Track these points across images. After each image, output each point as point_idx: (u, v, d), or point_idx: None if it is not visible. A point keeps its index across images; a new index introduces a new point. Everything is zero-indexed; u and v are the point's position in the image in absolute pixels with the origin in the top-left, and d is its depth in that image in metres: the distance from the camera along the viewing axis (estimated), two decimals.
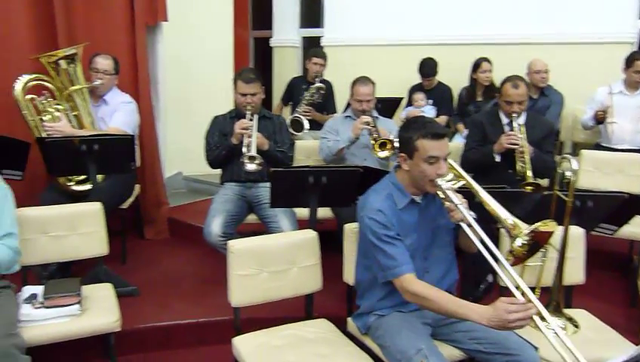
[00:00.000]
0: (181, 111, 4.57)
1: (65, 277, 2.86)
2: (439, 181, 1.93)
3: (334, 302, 2.67)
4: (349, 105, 3.65)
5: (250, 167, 2.91)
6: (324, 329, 2.23)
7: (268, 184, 3.11)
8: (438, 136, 1.92)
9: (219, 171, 3.29)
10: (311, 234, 2.29)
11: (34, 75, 3.10)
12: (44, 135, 3.02)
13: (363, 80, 3.35)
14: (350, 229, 2.28)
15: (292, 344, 2.10)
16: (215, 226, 2.93)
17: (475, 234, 1.88)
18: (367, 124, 3.20)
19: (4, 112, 3.27)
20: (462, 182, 2.04)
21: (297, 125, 4.38)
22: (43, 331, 2.13)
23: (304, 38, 5.99)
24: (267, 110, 3.37)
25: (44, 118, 3.09)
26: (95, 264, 2.81)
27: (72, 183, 3.18)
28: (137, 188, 3.64)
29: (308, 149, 3.67)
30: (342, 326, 2.30)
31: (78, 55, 3.18)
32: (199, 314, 2.87)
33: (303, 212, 3.07)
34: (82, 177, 3.19)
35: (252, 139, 2.96)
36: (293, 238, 2.31)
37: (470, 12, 4.76)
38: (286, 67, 5.89)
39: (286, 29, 5.93)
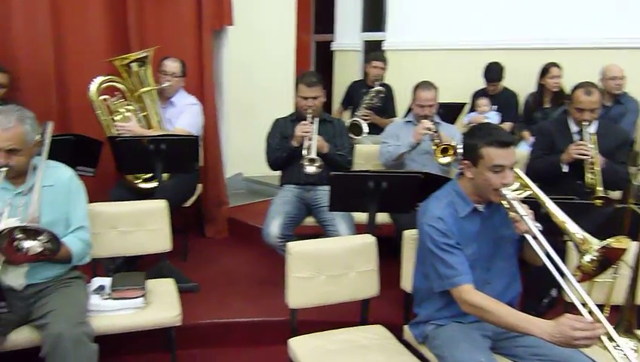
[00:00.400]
0: (242, 113, 4.66)
1: (130, 270, 2.98)
2: (504, 190, 1.87)
3: (389, 309, 2.65)
4: (410, 109, 3.61)
5: (310, 169, 2.93)
6: (379, 336, 2.21)
7: (327, 187, 3.13)
8: (504, 144, 1.86)
9: (278, 173, 3.34)
10: (369, 239, 2.28)
11: (107, 77, 3.25)
12: (115, 134, 3.17)
13: (425, 84, 3.30)
14: (409, 236, 2.26)
15: (347, 349, 2.10)
16: (274, 227, 2.97)
17: (541, 247, 1.81)
18: (429, 129, 3.15)
19: (80, 112, 3.46)
20: (528, 192, 1.98)
21: (356, 129, 4.36)
22: (110, 321, 2.23)
23: (365, 41, 5.98)
24: (327, 114, 3.39)
25: (115, 118, 3.24)
26: (158, 259, 2.92)
27: (139, 181, 3.32)
28: (200, 187, 3.74)
29: (367, 153, 3.66)
30: (397, 333, 2.27)
31: (148, 58, 3.31)
32: (257, 314, 2.92)
33: (360, 216, 3.06)
34: (148, 175, 3.32)
35: (312, 142, 2.99)
36: (352, 243, 2.30)
37: (539, 15, 4.58)
38: (347, 71, 5.90)
39: (348, 33, 5.94)
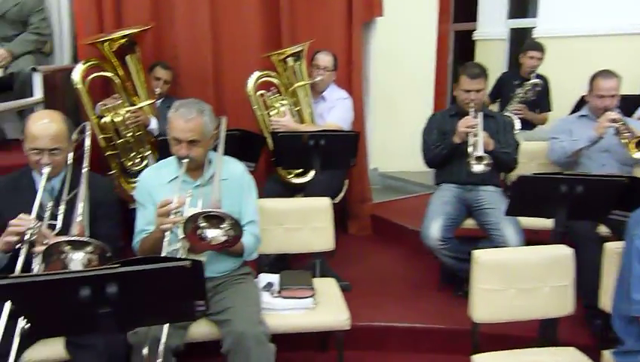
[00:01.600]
0: (382, 107, 4.52)
1: (282, 267, 2.96)
2: None
3: (570, 327, 2.37)
4: (581, 103, 3.24)
5: (478, 168, 2.72)
6: (574, 360, 1.96)
7: (490, 187, 2.93)
8: None
9: (416, 168, 3.14)
10: (566, 251, 2.03)
11: (264, 72, 3.26)
12: (269, 129, 3.17)
13: (606, 73, 2.94)
14: (612, 249, 1.99)
15: None
16: (434, 229, 2.80)
17: None
18: (614, 121, 2.79)
19: (233, 107, 3.51)
20: None
21: None
22: (283, 321, 2.19)
23: (511, 29, 5.54)
24: (489, 108, 3.14)
25: (270, 113, 3.25)
26: (306, 256, 2.83)
27: (291, 175, 3.31)
28: (346, 183, 3.67)
29: (531, 152, 3.32)
30: (591, 355, 2.01)
31: (303, 52, 3.28)
32: (414, 319, 2.78)
33: (521, 221, 2.78)
34: (300, 170, 3.30)
35: (478, 138, 2.77)
36: (546, 253, 2.06)
37: None
38: (490, 62, 5.42)
39: (492, 21, 5.53)
